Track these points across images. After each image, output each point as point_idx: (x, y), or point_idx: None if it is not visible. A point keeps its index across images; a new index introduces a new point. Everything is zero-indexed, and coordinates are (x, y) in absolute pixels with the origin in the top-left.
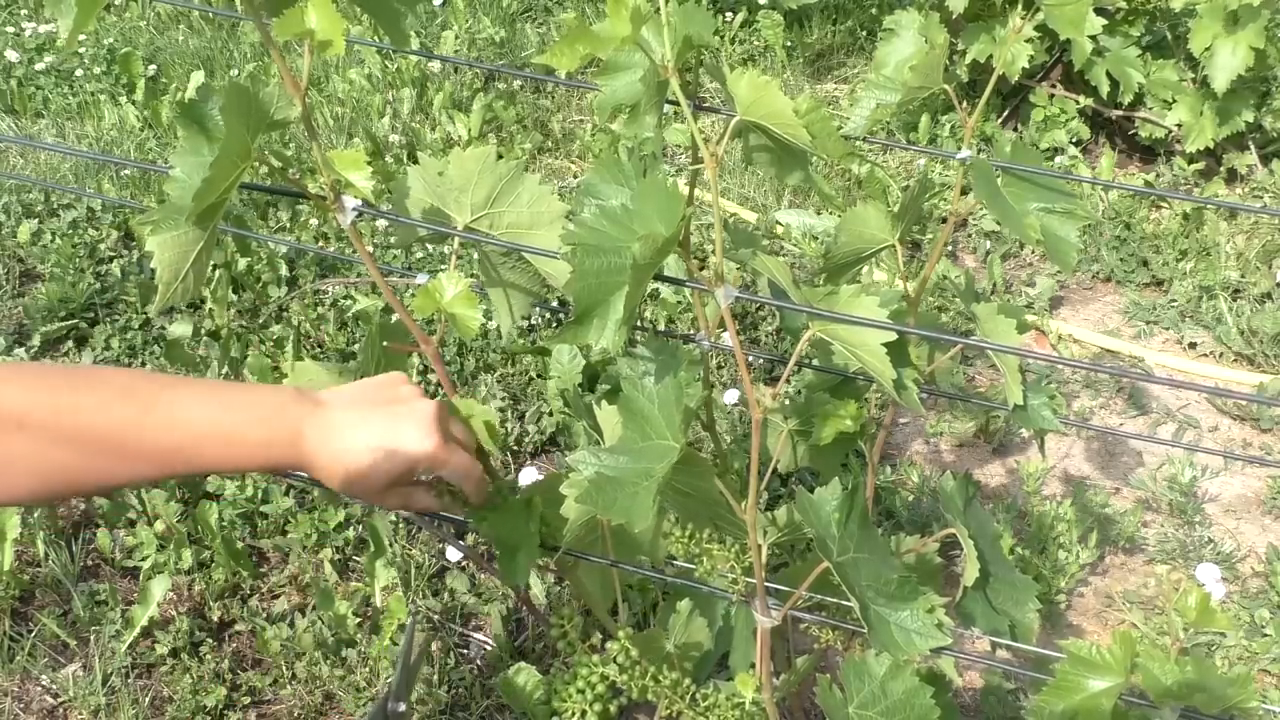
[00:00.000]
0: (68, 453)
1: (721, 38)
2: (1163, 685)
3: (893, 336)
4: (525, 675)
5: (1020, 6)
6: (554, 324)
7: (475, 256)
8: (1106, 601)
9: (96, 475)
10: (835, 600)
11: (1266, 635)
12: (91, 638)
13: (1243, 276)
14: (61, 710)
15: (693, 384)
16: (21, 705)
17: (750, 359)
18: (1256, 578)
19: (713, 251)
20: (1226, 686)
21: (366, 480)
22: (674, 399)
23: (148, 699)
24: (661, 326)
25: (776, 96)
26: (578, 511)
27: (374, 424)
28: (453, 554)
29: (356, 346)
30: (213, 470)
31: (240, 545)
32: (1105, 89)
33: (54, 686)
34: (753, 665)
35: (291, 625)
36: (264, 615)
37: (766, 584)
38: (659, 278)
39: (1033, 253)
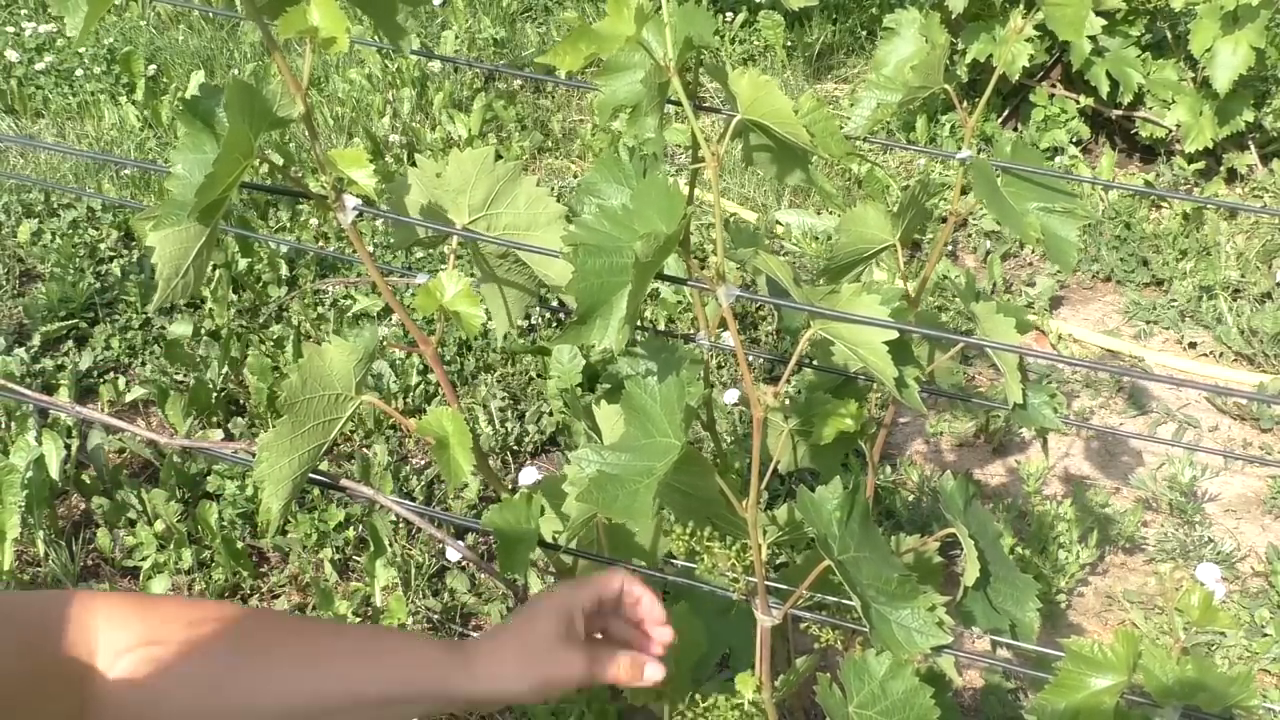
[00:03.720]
0: (235, 654)
1: (721, 38)
2: (1164, 684)
3: (894, 335)
4: None
5: (1020, 6)
6: (554, 324)
7: (472, 258)
8: (1107, 601)
9: (251, 690)
10: (836, 599)
11: (1267, 635)
12: None
13: (1243, 276)
14: None
15: (694, 383)
16: None
17: (750, 359)
18: (1256, 577)
19: (713, 251)
20: (1228, 685)
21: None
22: (676, 397)
23: None
24: (661, 326)
25: (777, 96)
26: (579, 509)
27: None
28: (452, 554)
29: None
30: (369, 694)
31: (240, 545)
32: (1105, 89)
33: None
34: (753, 665)
35: None
36: None
37: (767, 583)
38: (660, 277)
39: (1033, 252)
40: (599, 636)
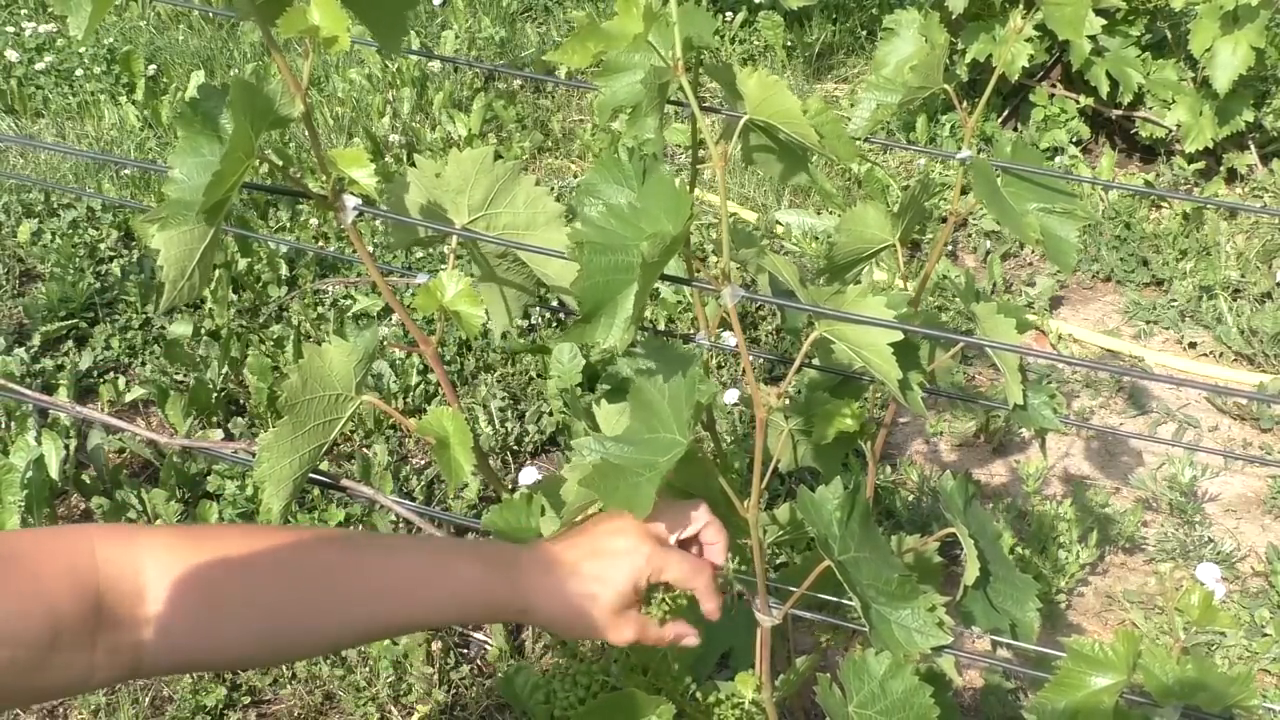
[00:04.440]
0: (282, 588)
1: (721, 38)
2: (1164, 684)
3: (899, 337)
4: (524, 675)
5: (1020, 6)
6: (554, 324)
7: (471, 257)
8: (1107, 601)
9: (309, 615)
10: (836, 599)
11: (1267, 635)
12: None
13: (1243, 276)
14: (61, 710)
15: (705, 380)
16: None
17: (750, 359)
18: (1256, 577)
19: (713, 251)
20: (1228, 685)
21: (590, 613)
22: (685, 395)
23: (148, 699)
24: (661, 326)
25: (786, 96)
26: (576, 494)
27: (584, 548)
28: None
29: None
30: (426, 616)
31: None
32: (1105, 89)
33: None
34: (753, 665)
35: None
36: None
37: (767, 583)
38: (665, 277)
39: (1033, 252)
40: None
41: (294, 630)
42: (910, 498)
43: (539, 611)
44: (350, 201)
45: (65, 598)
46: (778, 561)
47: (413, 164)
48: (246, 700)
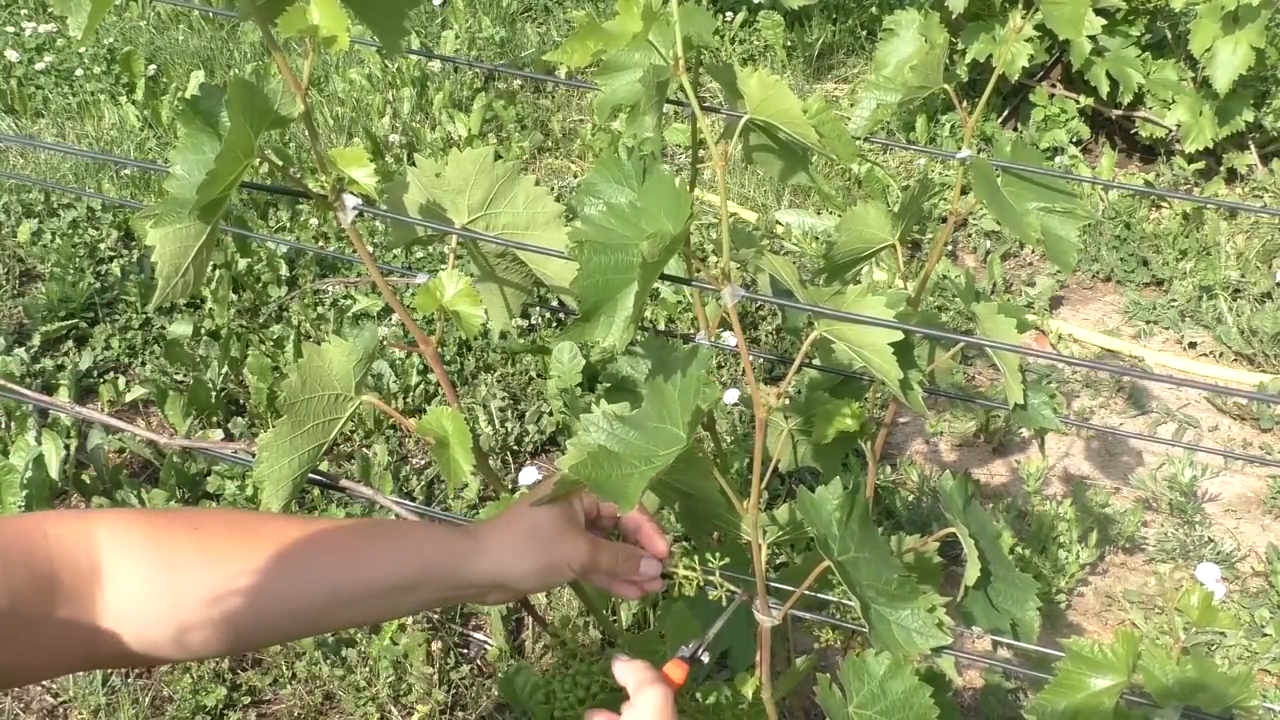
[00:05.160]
0: (237, 560)
1: (721, 37)
2: (1164, 684)
3: (899, 336)
4: (524, 675)
5: (1020, 6)
6: (554, 324)
7: (470, 256)
8: (1107, 601)
9: (265, 586)
10: (835, 600)
11: (1267, 635)
12: None
13: (1243, 276)
14: (62, 710)
15: (710, 385)
16: (22, 705)
17: (750, 359)
18: (1256, 577)
19: (713, 251)
20: (1228, 685)
21: (540, 533)
22: (691, 393)
23: (148, 699)
24: (661, 326)
25: (788, 96)
26: (571, 466)
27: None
28: None
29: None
30: (384, 577)
31: None
32: (1105, 89)
33: (54, 686)
34: (752, 665)
35: None
36: None
37: (767, 583)
38: (665, 277)
39: (1033, 252)
40: None
41: (250, 604)
42: (910, 498)
43: (486, 555)
44: (350, 201)
45: (19, 572)
46: (778, 562)
47: (413, 164)
48: (246, 700)
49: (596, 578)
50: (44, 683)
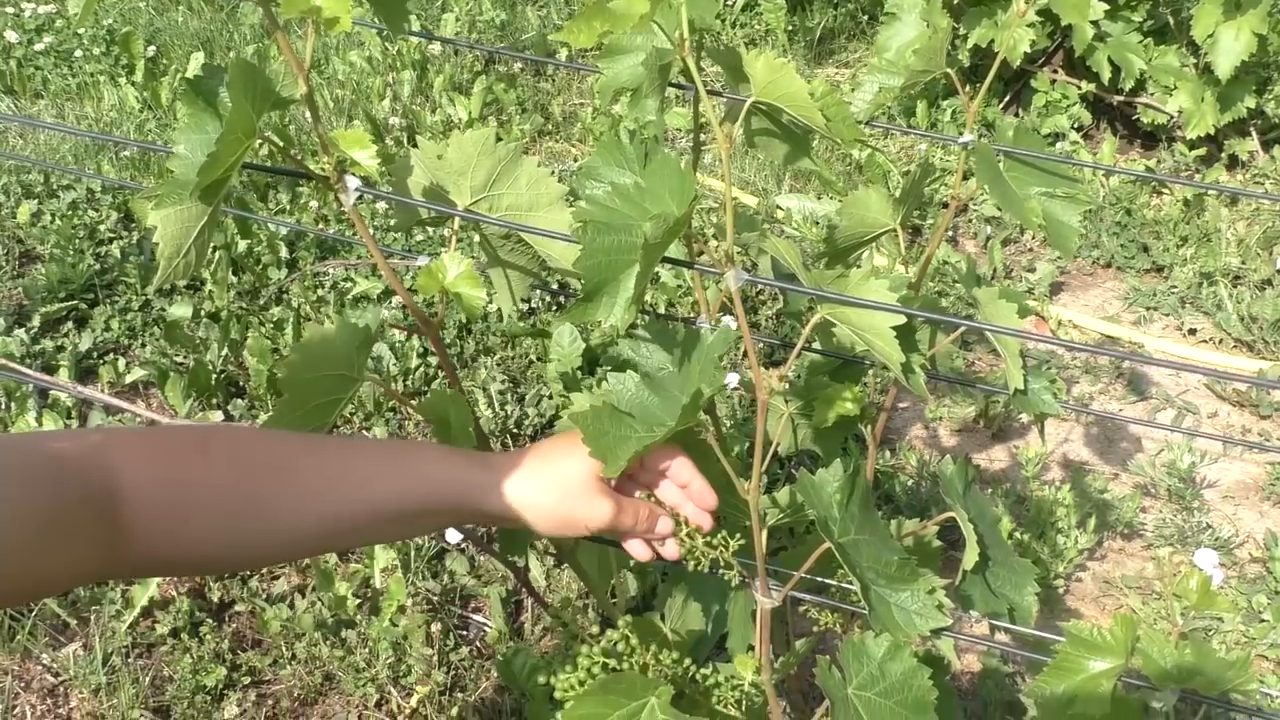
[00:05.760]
0: (243, 478)
1: (723, 22)
2: (1163, 668)
3: (901, 320)
4: (522, 657)
5: None
6: (554, 308)
7: (475, 239)
8: (1104, 586)
9: (270, 504)
10: (835, 583)
11: (1264, 620)
12: (92, 618)
13: (1243, 263)
14: (62, 689)
15: (719, 369)
16: (22, 684)
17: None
18: (1254, 563)
19: (714, 235)
20: (1225, 670)
21: (562, 483)
22: (697, 375)
23: (148, 678)
24: (661, 310)
25: (794, 78)
26: (563, 425)
27: (544, 446)
28: (452, 535)
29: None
30: (388, 503)
31: None
32: (1107, 75)
33: (54, 665)
34: (751, 647)
35: (291, 606)
36: (264, 596)
37: (766, 566)
38: (668, 259)
39: (1033, 238)
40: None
41: (257, 519)
42: (909, 483)
43: (503, 493)
44: (352, 183)
45: (71, 484)
46: (775, 547)
47: (414, 146)
48: (246, 680)
49: (612, 535)
50: (44, 662)
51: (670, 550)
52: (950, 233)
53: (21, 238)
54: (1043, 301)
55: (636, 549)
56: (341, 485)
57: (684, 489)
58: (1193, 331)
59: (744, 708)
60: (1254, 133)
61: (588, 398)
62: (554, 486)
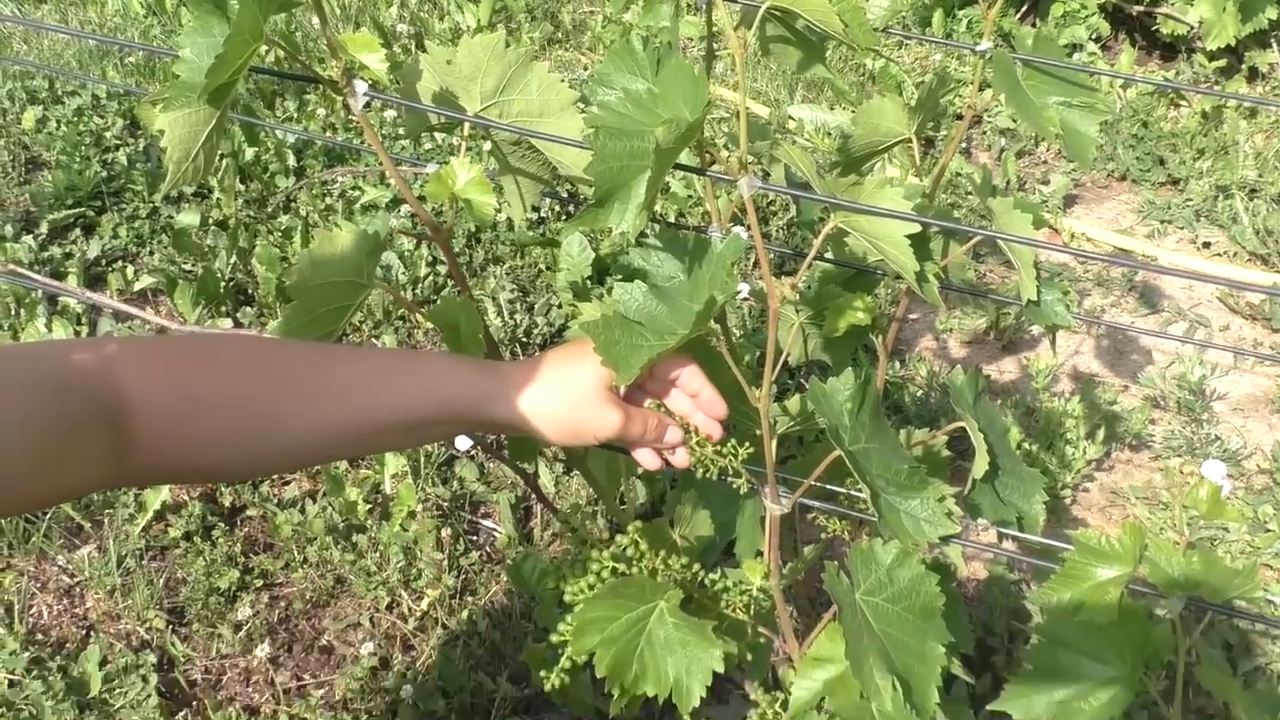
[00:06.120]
0: (250, 385)
1: None
2: (1170, 576)
3: (916, 228)
4: (532, 561)
5: None
6: (563, 216)
7: (485, 147)
8: (1112, 496)
9: (278, 412)
10: (843, 490)
11: (1270, 530)
12: (106, 521)
13: (1260, 176)
14: (78, 589)
15: (732, 276)
16: (39, 584)
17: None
18: (1262, 475)
19: (726, 145)
20: (1231, 578)
21: (571, 390)
22: (720, 282)
23: (162, 580)
24: (671, 219)
25: None
26: (573, 334)
27: (553, 354)
28: (462, 442)
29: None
30: (396, 411)
31: None
32: None
33: (70, 567)
34: (759, 553)
35: (302, 511)
36: (275, 501)
37: (776, 474)
38: (680, 167)
39: (1048, 149)
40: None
41: (265, 429)
42: (919, 393)
43: (513, 402)
44: (360, 87)
45: (77, 398)
46: (784, 455)
47: (424, 51)
48: (259, 583)
49: (621, 444)
50: (60, 563)
51: (680, 459)
52: (964, 145)
53: (27, 144)
54: (1056, 214)
55: (645, 458)
56: (351, 394)
57: (694, 398)
58: (1207, 245)
59: (752, 612)
60: (1275, 44)
61: (597, 307)
62: (563, 395)
